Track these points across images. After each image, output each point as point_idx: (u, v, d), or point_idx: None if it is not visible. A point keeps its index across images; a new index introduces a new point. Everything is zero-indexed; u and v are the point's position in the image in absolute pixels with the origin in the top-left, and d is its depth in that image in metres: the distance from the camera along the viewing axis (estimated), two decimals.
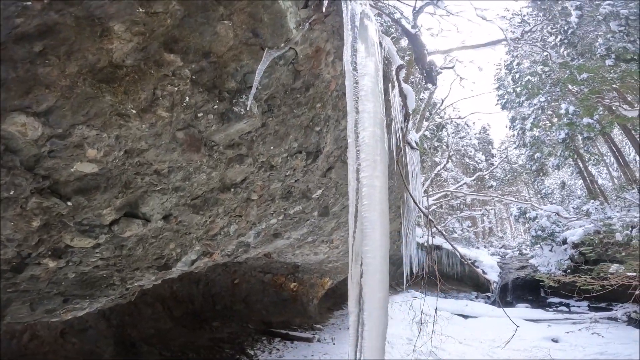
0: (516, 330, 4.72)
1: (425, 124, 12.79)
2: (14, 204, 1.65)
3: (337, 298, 12.74)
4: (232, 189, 2.61)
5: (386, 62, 3.96)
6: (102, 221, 2.05)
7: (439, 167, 12.96)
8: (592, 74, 9.94)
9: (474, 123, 24.64)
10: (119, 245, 2.26)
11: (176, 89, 1.76)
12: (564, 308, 14.06)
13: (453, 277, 16.61)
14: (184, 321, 7.30)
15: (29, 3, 1.19)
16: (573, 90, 13.16)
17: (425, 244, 15.27)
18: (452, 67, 11.46)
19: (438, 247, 15.97)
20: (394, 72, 4.37)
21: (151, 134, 1.85)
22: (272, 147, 2.71)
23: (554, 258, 14.09)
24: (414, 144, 6.51)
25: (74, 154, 1.69)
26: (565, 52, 13.02)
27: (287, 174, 3.12)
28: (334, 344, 9.14)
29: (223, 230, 3.07)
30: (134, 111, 1.71)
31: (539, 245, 14.79)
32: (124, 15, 1.37)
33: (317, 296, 10.61)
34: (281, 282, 9.63)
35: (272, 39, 1.93)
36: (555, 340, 9.70)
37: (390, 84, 4.26)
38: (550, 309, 13.67)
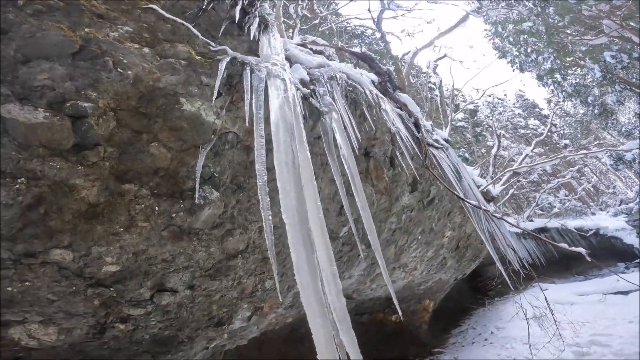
0: None
1: (450, 116, 12.39)
2: (78, 293, 2.52)
3: (450, 316, 12.06)
4: (240, 255, 3.18)
5: (350, 88, 4.27)
6: (143, 297, 2.84)
7: (494, 150, 12.19)
8: (574, 13, 9.18)
9: (505, 95, 22.82)
10: (165, 311, 3.02)
11: (143, 205, 2.49)
12: None
13: (578, 256, 14.58)
14: None
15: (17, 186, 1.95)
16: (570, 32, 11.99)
17: (526, 232, 13.90)
18: (444, 56, 11.32)
19: (543, 230, 14.30)
20: (367, 93, 4.65)
21: (143, 239, 2.59)
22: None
23: None
24: (440, 143, 6.47)
25: (99, 263, 2.50)
26: (530, 3, 12.14)
27: None
28: None
29: (258, 287, 3.60)
30: (122, 229, 2.46)
31: None
32: (74, 174, 2.11)
33: (425, 321, 10.24)
34: (381, 319, 9.58)
35: (200, 138, 2.56)
36: None
37: (368, 107, 4.51)
38: None
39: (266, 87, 2.75)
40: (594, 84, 13.89)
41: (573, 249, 5.40)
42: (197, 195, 2.57)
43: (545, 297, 6.80)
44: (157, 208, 2.51)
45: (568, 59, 13.63)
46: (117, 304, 2.75)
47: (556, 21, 11.55)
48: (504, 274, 6.83)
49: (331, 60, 4.89)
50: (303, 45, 4.74)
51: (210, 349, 4.00)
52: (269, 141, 2.40)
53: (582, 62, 13.05)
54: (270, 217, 2.17)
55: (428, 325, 10.63)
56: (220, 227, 2.92)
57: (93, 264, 2.47)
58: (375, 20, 9.74)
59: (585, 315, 8.75)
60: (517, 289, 12.26)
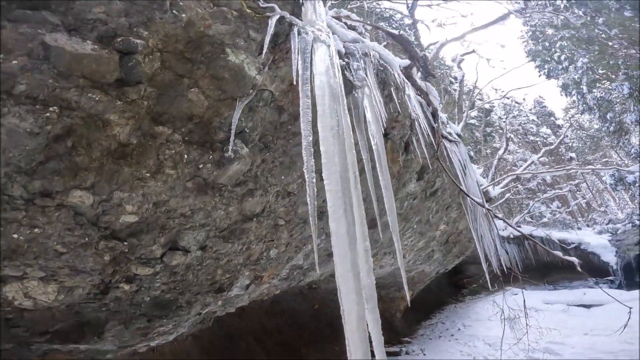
0: (630, 312, 4.38)
1: (465, 112, 12.35)
2: (90, 246, 2.37)
3: (423, 309, 12.38)
4: (255, 219, 3.10)
5: (381, 68, 4.19)
6: (154, 255, 2.72)
7: (500, 152, 12.28)
8: (621, 27, 9.13)
9: (524, 99, 22.90)
10: (172, 272, 2.91)
11: (173, 151, 2.36)
12: None
13: (559, 266, 15.05)
14: (276, 352, 7.79)
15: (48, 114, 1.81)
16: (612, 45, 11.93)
17: (512, 237, 14.23)
18: (472, 52, 11.15)
19: (529, 237, 14.70)
20: (395, 75, 4.57)
21: (167, 189, 2.46)
22: (282, 177, 3.16)
23: None
24: (453, 137, 6.45)
25: (118, 211, 2.36)
26: (580, 12, 11.98)
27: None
28: (424, 354, 8.99)
29: (263, 255, 3.55)
30: (148, 174, 2.33)
31: None
32: (111, 108, 1.97)
33: (400, 309, 10.48)
34: None
35: (239, 90, 2.43)
36: None
37: (395, 89, 4.45)
38: None
39: (311, 51, 2.64)
40: (618, 100, 13.93)
41: (566, 257, 5.50)
42: (230, 147, 2.46)
43: (524, 301, 6.96)
44: (186, 156, 2.38)
45: (601, 71, 13.61)
46: (126, 261, 2.62)
47: (602, 32, 11.39)
48: (486, 273, 6.99)
49: (363, 37, 4.76)
50: (338, 18, 4.59)
51: (202, 314, 3.92)
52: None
53: (614, 76, 13.16)
54: (314, 180, 2.07)
55: (402, 314, 10.91)
56: (243, 186, 2.81)
57: (112, 212, 2.32)
58: (409, 5, 9.48)
59: (546, 323, 8.93)
60: (490, 290, 12.64)
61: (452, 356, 8.74)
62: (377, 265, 6.63)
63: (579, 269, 5.32)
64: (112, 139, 2.09)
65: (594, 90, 14.46)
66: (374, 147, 3.23)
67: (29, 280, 2.34)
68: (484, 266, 7.05)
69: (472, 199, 5.30)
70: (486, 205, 5.59)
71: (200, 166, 2.49)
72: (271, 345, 7.87)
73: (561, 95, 17.24)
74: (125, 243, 2.50)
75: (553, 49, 15.14)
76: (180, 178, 2.45)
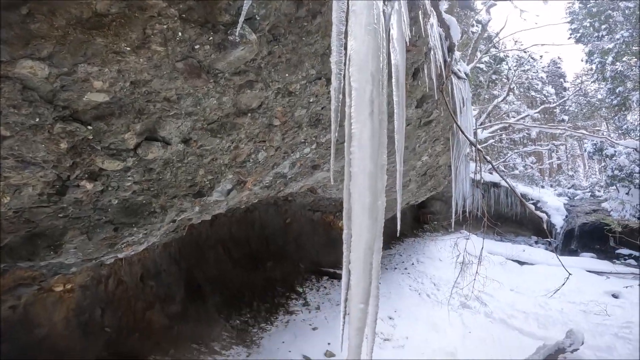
0: (568, 278, 4.51)
1: (478, 55, 11.69)
2: (41, 129, 1.94)
3: (385, 238, 12.76)
4: (249, 114, 2.71)
5: None
6: (127, 145, 2.31)
7: (498, 100, 11.96)
8: None
9: (541, 57, 22.07)
10: (147, 169, 2.52)
11: (165, 26, 1.86)
12: (632, 262, 12.66)
13: (512, 219, 15.66)
14: (242, 263, 7.91)
15: None
16: None
17: (482, 181, 14.60)
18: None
19: (496, 185, 15.06)
20: (426, 2, 4.15)
21: (151, 67, 1.99)
22: (287, 75, 2.74)
23: (630, 202, 12.73)
24: (461, 74, 6.16)
25: (83, 87, 1.90)
26: None
27: (311, 100, 3.14)
28: (379, 283, 9.42)
29: (251, 157, 3.23)
30: (129, 48, 1.86)
31: (614, 187, 13.14)
32: None
33: None
34: (330, 221, 9.89)
35: None
36: (615, 296, 9.03)
37: (423, 14, 4.06)
38: (618, 261, 12.40)
39: None
40: (634, 78, 13.61)
41: (537, 212, 5.59)
42: (238, 29, 2.00)
43: (482, 248, 7.20)
44: (180, 34, 1.90)
45: (635, 48, 13.20)
46: (90, 152, 2.18)
47: None
48: (453, 212, 7.15)
49: None
50: None
51: (177, 221, 3.61)
52: None
53: None
54: (341, 72, 1.68)
55: None
56: (243, 75, 2.38)
57: (74, 88, 1.87)
58: None
59: (483, 273, 9.63)
60: (448, 231, 13.20)
61: (402, 289, 9.26)
62: None
63: (544, 226, 5.39)
64: (85, 7, 1.61)
65: (618, 63, 14.02)
66: (393, 62, 2.86)
67: None
68: (454, 206, 7.18)
69: (467, 137, 5.23)
70: (477, 145, 5.51)
71: (197, 47, 2.01)
72: (239, 255, 7.95)
73: (581, 61, 16.59)
74: (89, 127, 2.06)
75: (598, 17, 14.26)
76: (170, 56, 1.98)
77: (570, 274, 4.22)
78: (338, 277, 9.25)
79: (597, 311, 8.14)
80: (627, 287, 9.26)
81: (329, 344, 6.22)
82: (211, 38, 2.02)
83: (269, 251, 8.32)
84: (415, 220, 15.17)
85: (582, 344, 4.97)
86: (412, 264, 11.13)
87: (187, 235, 6.93)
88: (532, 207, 4.49)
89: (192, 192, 3.05)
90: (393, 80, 2.83)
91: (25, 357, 3.96)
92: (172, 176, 2.74)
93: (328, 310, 7.63)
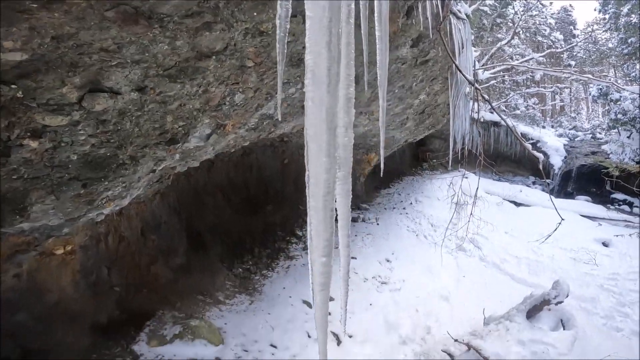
0: (560, 223, 4.32)
1: None
2: None
3: (384, 176, 12.34)
4: (214, 57, 2.34)
5: None
6: (68, 100, 2.00)
7: (502, 42, 11.16)
8: None
9: (551, 3, 20.44)
10: (100, 121, 2.20)
11: None
12: (626, 207, 12.45)
13: (510, 158, 15.28)
14: (242, 208, 7.70)
15: None
16: None
17: (482, 120, 14.11)
18: None
19: (496, 124, 14.57)
20: None
21: (72, 19, 1.66)
22: (255, 14, 2.34)
23: (630, 146, 12.28)
24: (461, 15, 5.77)
25: None
26: None
27: (288, 40, 2.75)
28: (378, 224, 9.33)
29: (226, 100, 2.90)
30: (35, 5, 1.54)
31: (616, 130, 12.72)
32: None
33: (364, 173, 10.53)
34: None
35: None
36: (605, 244, 8.83)
37: None
38: (612, 206, 12.23)
39: None
40: None
41: (534, 152, 5.30)
42: None
43: (477, 188, 6.99)
44: None
45: None
46: (25, 110, 1.92)
47: None
48: (450, 150, 6.92)
49: None
50: None
51: (157, 171, 3.35)
52: None
53: None
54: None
55: (365, 178, 10.96)
56: (197, 17, 1.98)
57: None
58: None
59: (481, 213, 9.47)
60: (447, 169, 12.87)
61: (400, 230, 9.17)
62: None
63: (540, 166, 5.14)
64: None
65: (633, 14, 13.39)
66: None
67: None
68: (451, 144, 6.92)
69: (464, 76, 4.87)
70: (476, 84, 5.15)
71: None
72: (238, 200, 7.75)
73: (594, 10, 16.10)
74: (13, 87, 1.80)
75: None
76: (94, 7, 1.64)
77: (562, 219, 4.03)
78: (336, 219, 9.13)
79: (586, 260, 8.09)
80: (617, 235, 9.08)
81: None
82: None
83: (267, 195, 8.11)
84: (414, 158, 14.83)
85: (567, 296, 4.93)
86: (411, 203, 10.98)
87: (184, 183, 6.75)
88: (529, 146, 4.21)
89: (163, 140, 2.76)
90: (375, 14, 2.45)
91: (43, 324, 3.96)
92: (134, 126, 2.42)
93: None
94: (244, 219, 7.59)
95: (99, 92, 2.06)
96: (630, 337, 5.69)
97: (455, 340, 4.63)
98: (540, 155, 5.09)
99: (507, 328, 4.68)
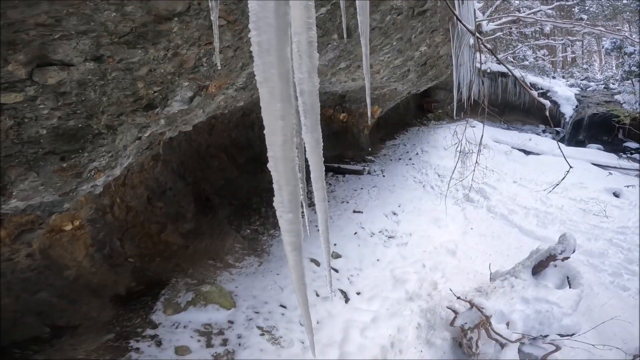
0: (568, 171, 3.97)
1: None
2: None
3: (389, 128, 12.04)
4: (176, 19, 2.02)
5: None
6: (17, 76, 1.78)
7: None
8: None
9: None
10: (58, 93, 1.95)
11: None
12: (637, 156, 11.71)
13: (519, 108, 14.49)
14: (247, 167, 7.50)
15: None
16: None
17: (488, 70, 13.29)
18: None
19: (504, 75, 13.77)
20: None
21: None
22: None
23: None
24: None
25: None
26: None
27: None
28: (384, 175, 9.03)
29: (202, 60, 2.60)
30: None
31: (629, 81, 11.82)
32: None
33: (368, 126, 10.17)
34: (330, 114, 9.30)
35: None
36: (616, 195, 8.35)
37: None
38: (624, 155, 11.49)
39: None
40: None
41: (540, 99, 4.85)
42: None
43: (481, 137, 6.60)
44: None
45: None
46: None
47: None
48: (454, 101, 6.48)
49: None
50: None
51: (145, 138, 3.11)
52: None
53: None
54: None
55: (370, 131, 10.57)
56: None
57: None
58: None
59: (489, 163, 8.99)
60: (454, 118, 12.34)
61: (405, 181, 8.87)
62: (349, 78, 5.94)
63: (547, 113, 4.70)
64: None
65: None
66: None
67: None
68: (455, 94, 6.46)
69: (464, 25, 4.35)
70: (477, 34, 4.66)
71: None
72: (243, 160, 7.57)
73: None
74: None
75: None
76: None
77: (571, 167, 3.68)
78: (342, 172, 8.92)
79: (596, 211, 7.69)
80: (628, 186, 8.61)
81: (335, 244, 6.10)
82: None
83: None
84: (419, 109, 14.22)
85: (574, 251, 4.65)
86: (417, 153, 10.61)
87: (186, 147, 6.55)
88: (535, 93, 3.78)
89: (139, 107, 2.50)
90: None
91: (67, 300, 3.98)
92: (101, 95, 2.16)
93: (333, 208, 7.42)
94: (250, 178, 7.41)
95: (47, 65, 1.81)
96: (637, 296, 5.47)
97: (458, 298, 4.51)
98: (547, 102, 4.66)
99: (512, 285, 4.52)
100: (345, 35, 3.16)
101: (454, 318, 4.34)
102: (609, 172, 9.61)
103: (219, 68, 2.68)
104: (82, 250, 4.38)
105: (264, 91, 0.84)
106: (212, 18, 1.07)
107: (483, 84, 5.38)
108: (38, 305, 3.73)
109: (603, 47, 13.41)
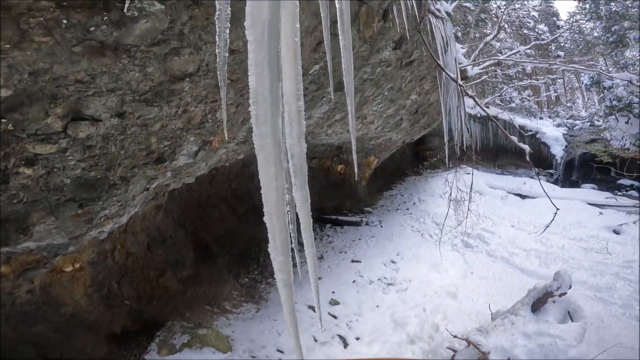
0: (556, 213, 4.24)
1: None
2: None
3: (386, 177, 12.44)
4: (187, 79, 2.41)
5: None
6: (53, 129, 2.10)
7: (488, 37, 11.17)
8: None
9: None
10: (86, 146, 2.30)
11: (42, 19, 1.63)
12: (634, 193, 12.06)
13: (511, 151, 15.05)
14: (247, 218, 7.74)
15: None
16: None
17: (479, 115, 13.94)
18: None
19: (493, 118, 14.47)
20: None
21: (43, 56, 1.76)
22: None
23: (630, 131, 11.96)
24: (440, 14, 5.75)
25: None
26: None
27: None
28: (382, 226, 9.28)
29: (208, 117, 2.97)
30: (8, 46, 1.65)
31: (613, 117, 12.23)
32: None
33: (365, 177, 10.49)
34: (328, 166, 9.61)
35: None
36: (616, 232, 8.55)
37: None
38: (620, 192, 11.87)
39: None
40: (630, 17, 12.82)
41: (520, 144, 5.23)
42: (126, 7, 1.72)
43: (471, 184, 6.89)
44: (65, 21, 1.66)
45: None
46: (17, 141, 2.06)
47: None
48: (446, 148, 6.82)
49: None
50: None
51: (152, 189, 3.43)
52: None
53: None
54: (227, 31, 1.43)
55: (367, 182, 10.90)
56: (163, 45, 2.06)
57: None
58: None
59: (486, 208, 9.27)
60: (447, 166, 12.78)
61: (404, 230, 9.08)
62: (344, 129, 6.28)
63: (527, 158, 5.06)
64: None
65: (612, 2, 13.19)
66: (337, 7, 2.48)
67: None
68: (446, 141, 6.82)
69: (447, 74, 4.87)
70: (459, 81, 5.14)
71: (92, 29, 1.75)
72: (242, 210, 7.82)
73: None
74: (4, 120, 1.93)
75: None
76: (62, 43, 1.74)
77: (558, 209, 3.95)
78: (341, 224, 9.11)
79: (597, 248, 7.80)
80: (621, 225, 8.76)
81: (333, 292, 6.21)
82: (106, 18, 1.74)
83: None
84: (414, 157, 14.72)
85: (570, 287, 4.81)
86: (414, 203, 10.90)
87: (187, 197, 6.83)
88: (515, 139, 4.18)
89: (151, 160, 2.84)
90: (338, 23, 2.49)
91: (62, 334, 4.10)
92: (119, 149, 2.51)
93: (332, 258, 7.59)
94: (250, 228, 7.61)
95: (80, 120, 2.16)
96: None
97: (455, 337, 4.57)
98: (527, 147, 5.03)
99: (513, 322, 4.60)
100: (332, 91, 3.54)
101: (453, 356, 4.38)
102: (599, 212, 9.82)
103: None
104: (81, 290, 4.54)
105: (261, 157, 1.16)
106: (221, 95, 1.41)
107: (469, 130, 5.78)
108: (34, 336, 3.87)
109: (583, 82, 14.25)
